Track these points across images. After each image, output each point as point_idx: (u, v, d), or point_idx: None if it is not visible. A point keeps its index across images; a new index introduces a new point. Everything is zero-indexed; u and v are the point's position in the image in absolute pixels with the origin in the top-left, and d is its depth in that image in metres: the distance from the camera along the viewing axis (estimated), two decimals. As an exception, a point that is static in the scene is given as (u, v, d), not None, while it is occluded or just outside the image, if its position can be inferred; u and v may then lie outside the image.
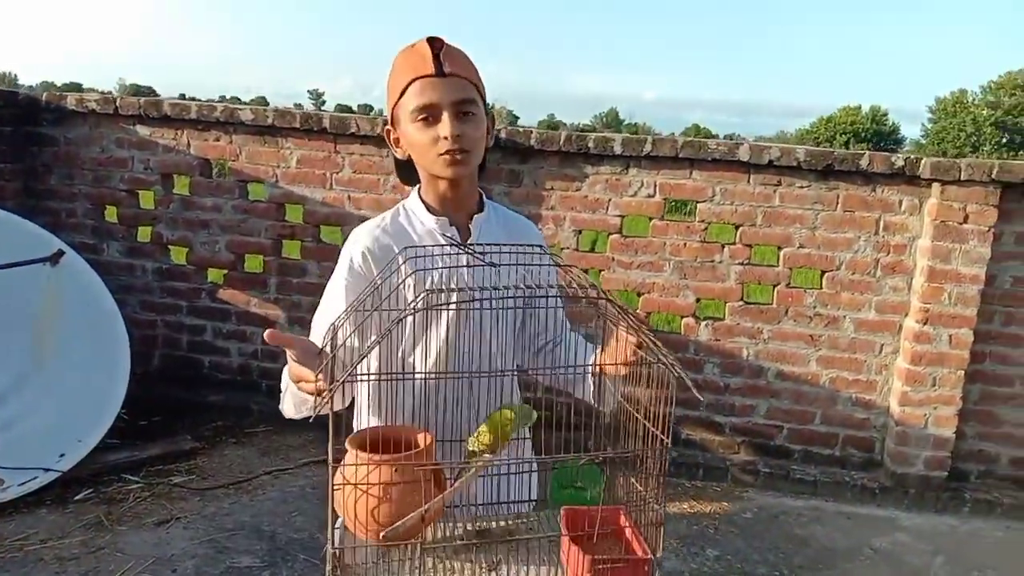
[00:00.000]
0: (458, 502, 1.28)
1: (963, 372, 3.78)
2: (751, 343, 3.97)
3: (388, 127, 1.49)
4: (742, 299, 3.96)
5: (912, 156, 3.76)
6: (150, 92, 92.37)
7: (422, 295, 1.10)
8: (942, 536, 3.67)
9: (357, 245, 1.47)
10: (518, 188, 4.01)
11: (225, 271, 4.32)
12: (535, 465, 1.50)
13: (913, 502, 3.88)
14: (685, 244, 3.96)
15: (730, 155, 3.81)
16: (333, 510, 1.11)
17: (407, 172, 1.53)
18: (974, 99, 54.35)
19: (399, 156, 1.50)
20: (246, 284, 4.31)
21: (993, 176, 3.58)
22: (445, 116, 1.35)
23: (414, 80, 1.36)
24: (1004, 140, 51.99)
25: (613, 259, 4.00)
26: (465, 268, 1.37)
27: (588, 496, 1.22)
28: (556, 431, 1.22)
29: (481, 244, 1.37)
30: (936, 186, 3.68)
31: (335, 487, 1.11)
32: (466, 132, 1.37)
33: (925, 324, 3.75)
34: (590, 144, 3.89)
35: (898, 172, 3.71)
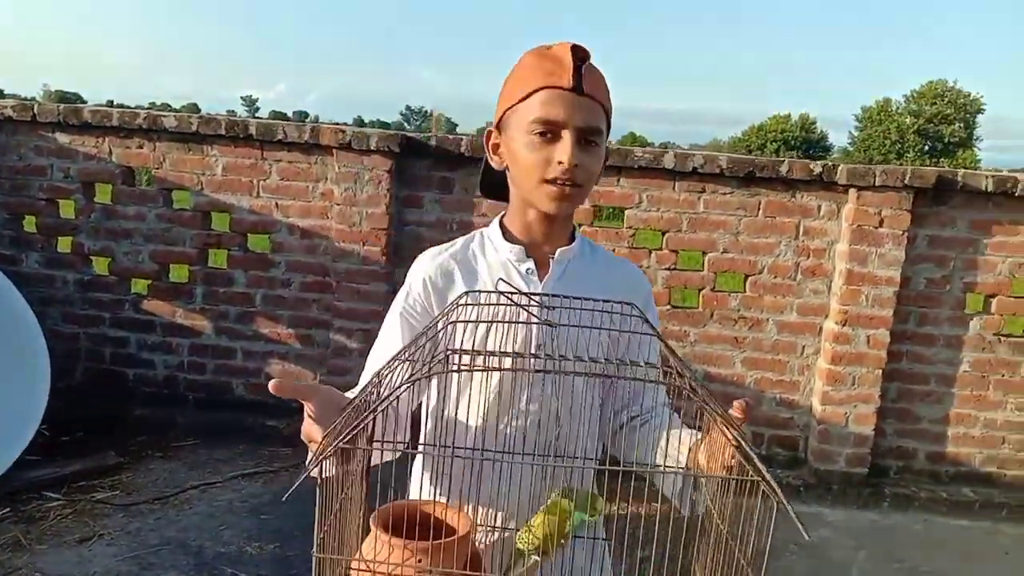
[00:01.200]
0: None
1: (881, 371, 3.91)
2: (678, 346, 4.04)
3: (491, 130, 1.29)
4: (669, 303, 4.03)
5: (829, 163, 3.89)
6: (76, 98, 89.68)
7: (440, 355, 0.90)
8: (864, 530, 3.79)
9: (418, 272, 1.30)
10: (449, 196, 4.02)
11: (149, 281, 4.22)
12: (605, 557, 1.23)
13: (836, 498, 4.00)
14: (614, 250, 4.00)
15: (656, 163, 3.88)
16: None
17: (492, 185, 1.35)
18: (898, 108, 56.29)
19: (495, 165, 1.29)
20: (171, 294, 4.22)
21: (906, 181, 3.73)
22: (567, 138, 1.15)
23: (545, 88, 1.15)
24: (926, 148, 53.89)
25: (543, 265, 4.04)
26: (524, 323, 1.14)
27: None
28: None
29: (551, 295, 1.18)
30: (852, 192, 3.82)
31: (347, 572, 0.91)
32: (585, 163, 1.17)
33: (844, 325, 3.88)
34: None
35: (816, 178, 3.83)
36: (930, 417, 4.06)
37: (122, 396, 4.30)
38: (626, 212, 3.99)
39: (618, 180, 3.95)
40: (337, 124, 4.10)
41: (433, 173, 4.01)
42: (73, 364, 4.31)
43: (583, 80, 1.14)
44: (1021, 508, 3.98)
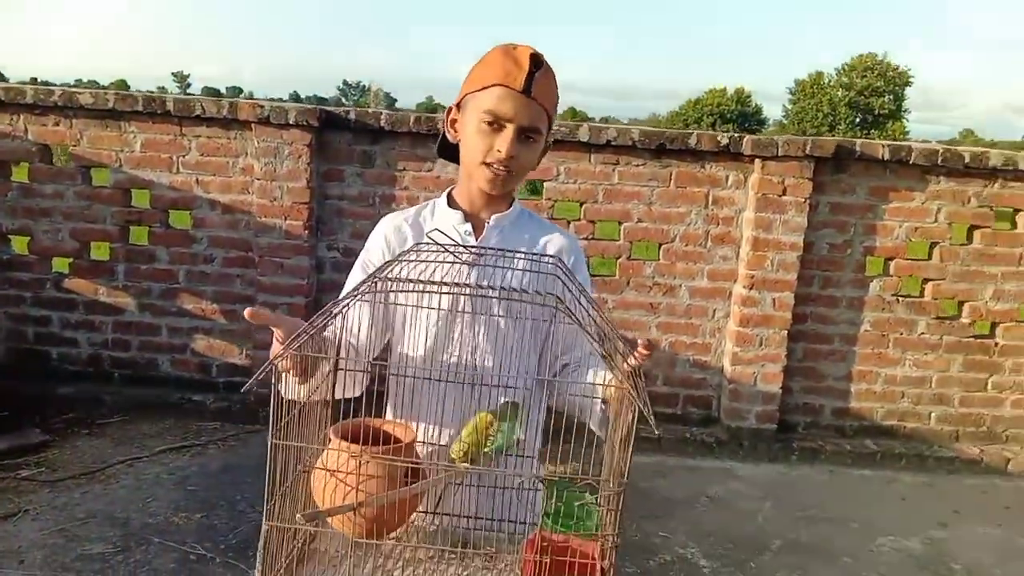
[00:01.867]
0: (444, 510, 1.29)
1: (787, 332, 4.12)
2: (597, 313, 4.19)
3: (452, 107, 1.46)
4: (588, 272, 4.17)
5: (736, 134, 4.06)
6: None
7: (367, 281, 1.09)
8: (772, 483, 4.01)
9: (377, 233, 1.54)
10: (371, 169, 4.08)
11: (71, 260, 4.21)
12: (539, 487, 1.40)
13: (747, 453, 4.22)
14: (533, 221, 4.13)
15: (571, 136, 4.00)
16: (273, 486, 1.07)
17: (448, 153, 1.53)
18: (830, 81, 57.43)
19: (450, 138, 1.48)
20: (93, 272, 4.21)
21: (807, 151, 3.91)
22: (509, 132, 1.35)
23: (500, 85, 1.34)
24: (858, 120, 55.18)
25: (465, 237, 4.14)
26: (468, 268, 1.34)
27: (580, 527, 1.15)
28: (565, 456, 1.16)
29: (482, 247, 1.39)
30: (758, 162, 3.99)
31: (306, 470, 1.12)
32: (521, 156, 1.38)
33: (751, 289, 4.07)
34: (439, 126, 3.99)
35: (723, 150, 4.00)
36: (834, 375, 4.29)
37: (46, 375, 4.29)
38: (545, 184, 4.11)
39: (535, 153, 4.05)
40: (260, 100, 4.12)
41: (354, 147, 4.06)
42: (-6, 344, 4.28)
43: (533, 85, 1.33)
44: (918, 458, 4.24)
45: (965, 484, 4.14)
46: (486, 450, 1.20)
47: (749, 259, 4.05)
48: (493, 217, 1.48)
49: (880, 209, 4.11)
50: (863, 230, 4.13)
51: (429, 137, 4.03)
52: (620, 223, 4.14)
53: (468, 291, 1.25)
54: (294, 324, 1.19)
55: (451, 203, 1.51)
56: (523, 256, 1.33)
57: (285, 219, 4.01)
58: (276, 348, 1.23)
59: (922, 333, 4.24)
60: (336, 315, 1.13)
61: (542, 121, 1.38)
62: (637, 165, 4.07)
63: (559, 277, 1.21)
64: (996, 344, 4.27)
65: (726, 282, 4.18)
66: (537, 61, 1.34)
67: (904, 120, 55.57)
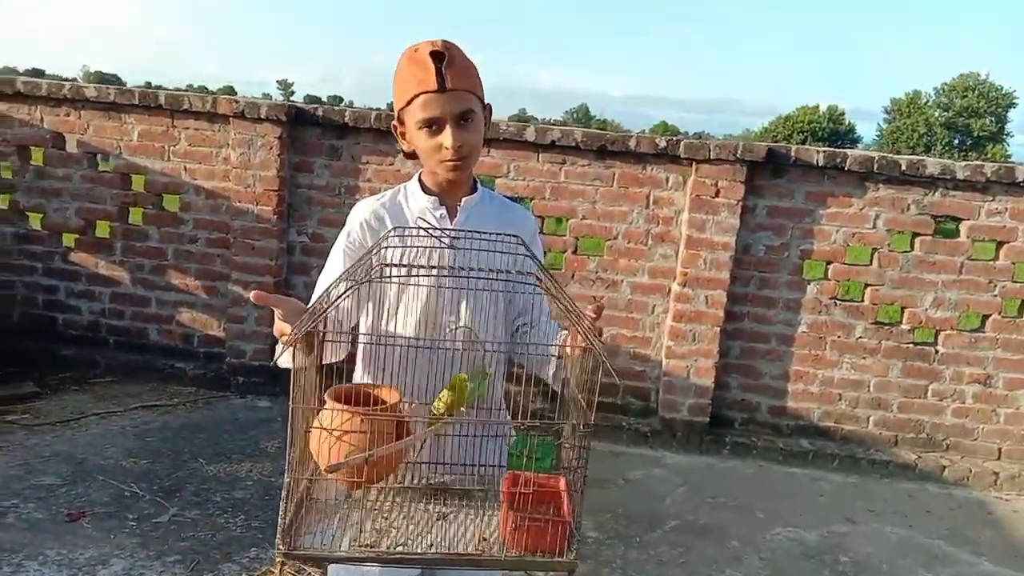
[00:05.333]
0: (427, 459, 1.48)
1: (719, 329, 4.28)
2: (541, 303, 4.44)
3: (395, 123, 1.61)
4: (534, 264, 4.42)
5: (673, 138, 4.26)
6: (115, 80, 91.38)
7: (375, 268, 1.27)
8: (696, 472, 4.18)
9: (356, 216, 1.66)
10: (337, 162, 4.45)
11: (76, 236, 4.71)
12: (508, 433, 1.65)
13: (680, 445, 4.39)
14: (486, 214, 4.42)
15: (519, 136, 4.28)
16: (295, 447, 1.27)
17: (412, 153, 1.65)
18: (927, 100, 55.63)
19: (404, 148, 1.64)
20: (95, 248, 4.71)
21: (738, 155, 4.09)
22: (448, 127, 1.50)
23: (419, 94, 1.48)
24: (955, 141, 53.24)
25: (423, 227, 4.45)
26: (447, 248, 1.50)
27: (541, 466, 1.36)
28: (529, 407, 1.42)
29: (459, 230, 1.55)
30: (694, 164, 4.18)
31: (308, 430, 1.29)
32: (466, 140, 1.52)
33: (685, 286, 4.25)
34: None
35: (662, 152, 4.21)
36: (771, 373, 4.42)
37: (52, 338, 4.80)
38: (496, 180, 4.39)
39: (488, 151, 4.34)
40: (237, 97, 4.54)
41: (323, 141, 4.44)
42: (11, 308, 4.82)
43: (445, 80, 1.47)
44: (851, 459, 4.33)
45: (894, 487, 4.20)
46: (462, 408, 1.39)
47: (683, 257, 4.24)
48: (463, 200, 1.64)
49: (817, 214, 4.24)
50: (800, 234, 4.27)
51: (389, 134, 4.35)
52: (566, 219, 4.39)
53: (461, 274, 1.38)
54: (293, 304, 1.39)
55: (423, 188, 1.65)
56: (493, 238, 1.42)
57: (257, 204, 4.41)
58: (280, 325, 1.38)
59: (860, 337, 4.33)
60: (339, 300, 1.29)
61: (470, 102, 1.52)
62: (582, 165, 4.32)
63: (529, 256, 1.36)
64: (937, 352, 4.32)
65: (665, 279, 4.37)
66: (439, 56, 1.47)
67: (1006, 143, 53.25)
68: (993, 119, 52.40)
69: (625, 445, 4.38)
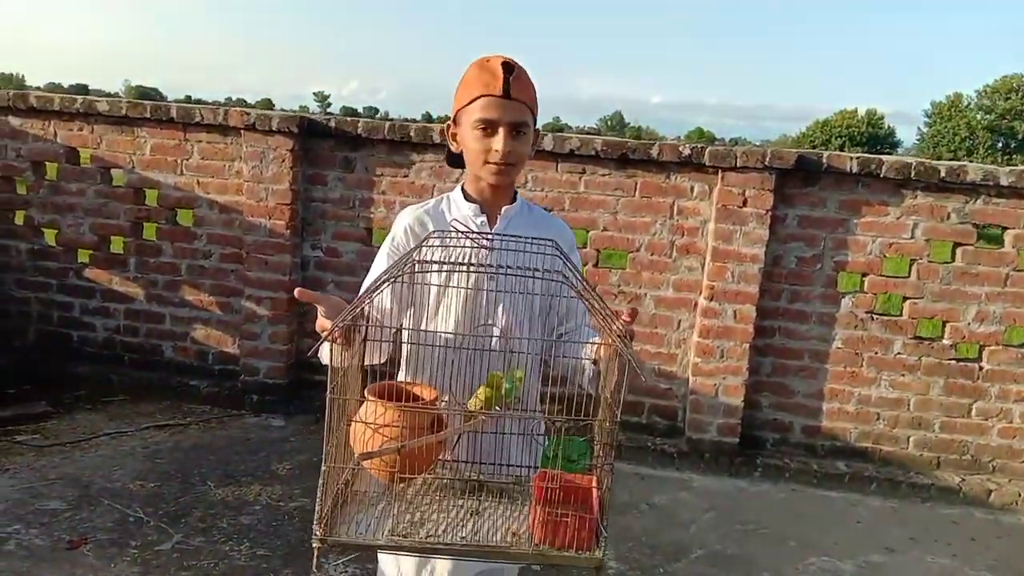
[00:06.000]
0: (465, 458, 1.53)
1: (748, 345, 4.08)
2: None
3: (450, 123, 1.71)
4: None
5: (698, 145, 4.08)
6: (156, 94, 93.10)
7: (400, 263, 1.38)
8: (725, 496, 3.98)
9: (401, 222, 1.74)
10: (351, 174, 4.34)
11: (91, 251, 4.65)
12: (542, 432, 1.68)
13: (708, 466, 4.19)
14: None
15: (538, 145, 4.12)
16: (332, 438, 1.31)
17: (455, 161, 1.77)
18: (969, 103, 54.39)
19: (453, 150, 1.73)
20: (109, 264, 4.64)
21: (766, 163, 3.89)
22: (501, 132, 1.59)
23: (483, 96, 1.58)
24: (999, 144, 52.03)
25: (440, 241, 4.32)
26: (486, 251, 1.62)
27: (577, 467, 1.39)
28: (566, 412, 1.40)
29: (497, 234, 1.64)
30: (720, 173, 3.99)
31: (348, 423, 1.37)
32: (516, 149, 1.61)
33: (712, 300, 4.06)
34: (412, 133, 4.21)
35: (686, 160, 4.03)
36: (805, 391, 4.21)
37: (67, 355, 4.74)
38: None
39: (506, 161, 4.20)
40: (248, 109, 4.45)
41: (336, 153, 4.33)
42: (26, 325, 4.78)
43: (511, 88, 1.57)
44: (890, 483, 4.10)
45: (936, 513, 3.97)
46: (497, 406, 1.44)
47: (710, 270, 4.05)
48: (503, 208, 1.71)
49: (852, 223, 4.03)
50: (834, 244, 4.06)
51: (404, 144, 4.25)
52: (587, 231, 4.22)
53: (488, 271, 1.48)
54: (335, 302, 1.48)
55: (466, 196, 1.73)
56: (530, 242, 1.50)
57: (270, 219, 4.31)
58: (322, 322, 1.48)
59: (898, 353, 4.10)
60: (375, 295, 1.34)
61: (526, 115, 1.61)
62: (603, 175, 4.15)
63: (559, 257, 1.42)
64: (981, 368, 4.08)
65: (691, 293, 4.18)
66: (509, 67, 1.58)
67: (1051, 145, 51.90)
68: (1037, 121, 51.06)
69: (650, 467, 4.19)
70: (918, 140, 59.20)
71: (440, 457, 1.49)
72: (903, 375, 4.12)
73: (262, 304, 4.39)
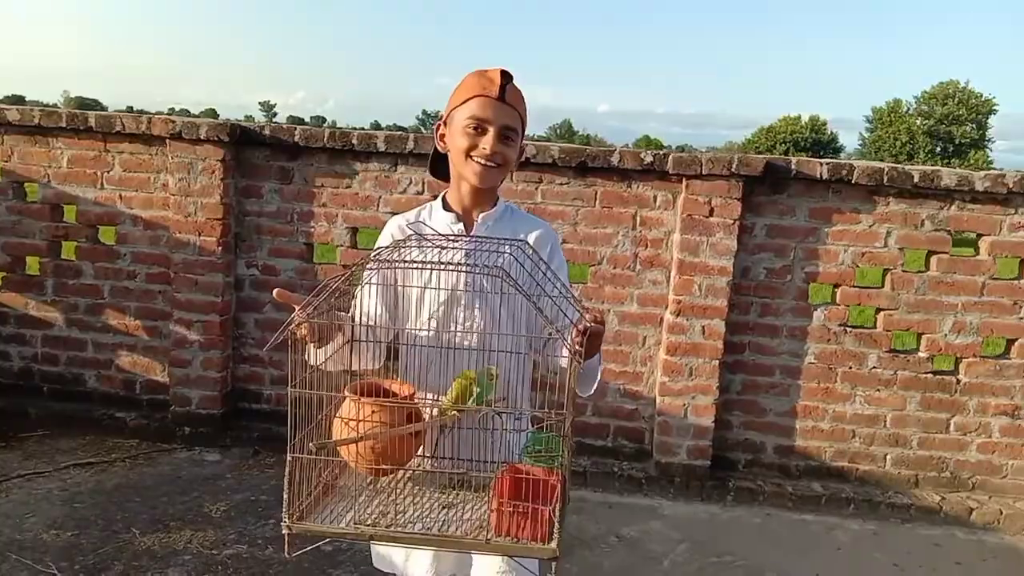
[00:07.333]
0: (444, 453, 1.56)
1: (718, 362, 3.85)
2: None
3: (440, 123, 1.73)
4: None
5: (661, 152, 3.84)
6: (96, 105, 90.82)
7: (365, 262, 1.46)
8: (698, 524, 3.73)
9: (387, 232, 1.77)
10: (288, 186, 4.01)
11: (3, 273, 4.24)
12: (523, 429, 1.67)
13: (678, 491, 3.94)
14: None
15: (490, 151, 3.84)
16: (295, 430, 1.33)
17: (439, 166, 1.78)
18: (908, 109, 55.65)
19: (440, 150, 1.74)
20: (24, 286, 4.23)
21: (733, 170, 3.67)
22: (491, 132, 1.62)
23: (478, 96, 1.61)
24: (938, 149, 53.28)
25: (387, 256, 4.00)
26: (465, 256, 1.58)
27: (552, 462, 1.37)
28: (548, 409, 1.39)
29: (470, 236, 1.66)
30: (684, 181, 3.76)
31: (325, 418, 1.40)
32: (503, 151, 1.64)
33: (679, 316, 3.82)
34: (354, 141, 3.90)
35: (649, 168, 3.78)
36: (777, 410, 3.99)
37: (-21, 388, 4.32)
38: (467, 202, 3.96)
39: (457, 170, 3.91)
40: (174, 116, 4.10)
41: (272, 163, 4.00)
42: (-68, 357, 4.34)
43: (506, 93, 1.62)
44: (869, 504, 3.89)
45: (917, 534, 3.77)
46: (469, 403, 1.46)
47: (676, 284, 3.81)
48: (481, 215, 1.72)
49: (822, 232, 3.82)
50: (804, 255, 3.85)
51: (346, 153, 3.94)
52: (545, 244, 3.95)
53: (449, 274, 1.57)
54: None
55: (445, 206, 1.75)
56: (499, 241, 1.52)
57: (199, 235, 3.96)
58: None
59: (873, 367, 3.91)
60: (334, 290, 1.39)
61: (517, 123, 1.66)
62: (561, 183, 3.89)
63: (520, 262, 1.44)
64: (958, 382, 3.90)
65: (657, 308, 3.93)
66: (508, 76, 1.62)
67: (988, 149, 53.36)
68: (974, 126, 52.32)
69: (617, 493, 3.93)
70: (860, 145, 60.47)
71: (419, 453, 1.51)
72: (878, 390, 3.93)
73: (193, 328, 4.03)
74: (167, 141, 3.93)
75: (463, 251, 1.56)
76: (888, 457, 3.99)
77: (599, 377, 1.68)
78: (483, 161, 1.63)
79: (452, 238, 1.61)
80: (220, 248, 3.96)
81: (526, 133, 1.72)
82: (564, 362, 1.52)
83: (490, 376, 1.49)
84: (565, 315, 1.40)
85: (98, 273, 4.17)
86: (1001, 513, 3.85)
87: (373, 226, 4.02)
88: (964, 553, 3.62)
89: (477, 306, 1.68)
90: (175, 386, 4.11)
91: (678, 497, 3.94)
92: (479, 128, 1.62)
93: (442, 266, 1.40)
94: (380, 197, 3.98)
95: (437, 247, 1.52)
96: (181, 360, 4.07)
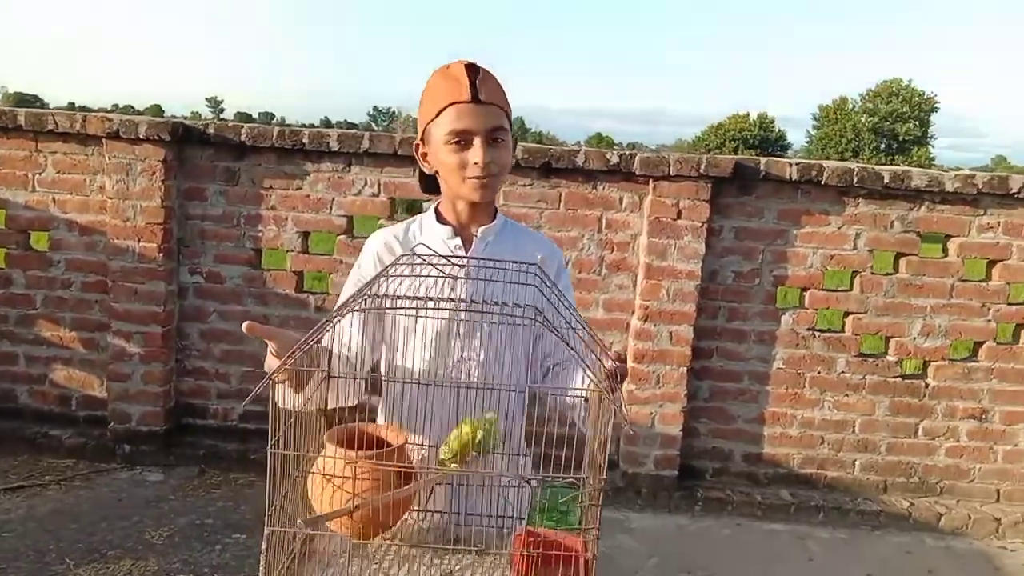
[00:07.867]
0: (444, 508, 1.36)
1: (686, 369, 3.74)
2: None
3: (418, 142, 1.52)
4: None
5: (628, 152, 3.70)
6: (35, 101, 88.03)
7: (358, 297, 1.23)
8: (667, 537, 3.61)
9: (368, 249, 1.58)
10: (235, 187, 3.79)
11: (-75, 283, 3.95)
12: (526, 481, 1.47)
13: (646, 503, 3.83)
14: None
15: (449, 152, 3.67)
16: (273, 493, 1.10)
17: (429, 184, 1.59)
18: (854, 106, 56.69)
19: (426, 171, 1.55)
20: (-52, 297, 3.95)
21: (701, 171, 3.56)
22: (477, 142, 1.42)
23: (451, 105, 1.41)
24: (882, 146, 54.38)
25: (341, 261, 3.81)
26: (462, 279, 1.40)
27: (566, 521, 1.21)
28: (554, 451, 1.22)
29: (472, 258, 1.48)
30: (651, 182, 3.63)
31: (301, 475, 1.17)
32: (496, 158, 1.44)
33: (646, 321, 3.70)
34: (305, 140, 3.70)
35: (614, 169, 3.65)
36: (745, 416, 3.89)
37: (-101, 406, 4.01)
38: (425, 205, 3.78)
39: (413, 171, 3.71)
40: (110, 114, 3.85)
41: (216, 163, 3.77)
42: None
43: (479, 92, 1.40)
44: (838, 511, 3.82)
45: (887, 541, 3.70)
46: (474, 453, 1.30)
47: (643, 288, 3.68)
48: (480, 230, 1.54)
49: (791, 235, 3.73)
50: (773, 257, 3.75)
51: (296, 152, 3.73)
52: (507, 248, 3.79)
53: (454, 306, 1.37)
54: (288, 337, 1.25)
55: (439, 218, 1.56)
56: (509, 268, 1.34)
57: (139, 241, 3.72)
58: (271, 361, 1.28)
59: (842, 372, 3.83)
60: (329, 329, 1.17)
61: (502, 119, 1.44)
62: (524, 185, 3.73)
63: (539, 288, 1.24)
64: (927, 385, 3.85)
65: (623, 313, 3.80)
66: (474, 69, 1.41)
67: (930, 146, 54.66)
68: (917, 123, 53.45)
69: (583, 507, 3.79)
70: (807, 142, 61.45)
71: (412, 508, 1.30)
72: (847, 395, 3.85)
73: (132, 340, 3.78)
74: (104, 140, 3.68)
75: (461, 276, 1.39)
76: (857, 463, 3.92)
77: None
78: (479, 177, 1.44)
79: (455, 260, 1.41)
80: (161, 254, 3.72)
81: (512, 120, 1.51)
82: (577, 402, 1.40)
83: (488, 422, 1.32)
84: (586, 351, 1.21)
85: (30, 282, 3.90)
86: (969, 518, 3.80)
87: (326, 230, 3.82)
88: (934, 561, 3.56)
89: (478, 337, 1.49)
90: (114, 401, 3.86)
91: (646, 508, 3.83)
92: (462, 142, 1.42)
93: (463, 304, 1.28)
94: (333, 199, 3.78)
95: (438, 272, 1.33)
96: (120, 374, 3.82)
